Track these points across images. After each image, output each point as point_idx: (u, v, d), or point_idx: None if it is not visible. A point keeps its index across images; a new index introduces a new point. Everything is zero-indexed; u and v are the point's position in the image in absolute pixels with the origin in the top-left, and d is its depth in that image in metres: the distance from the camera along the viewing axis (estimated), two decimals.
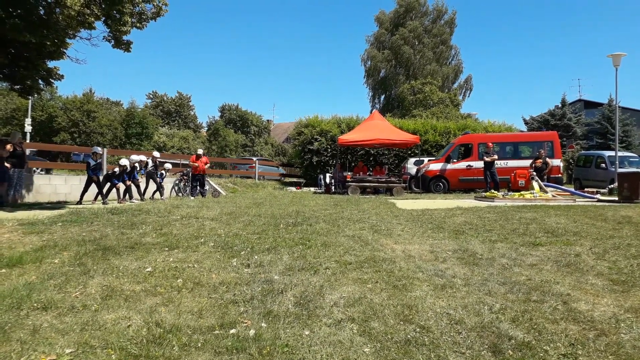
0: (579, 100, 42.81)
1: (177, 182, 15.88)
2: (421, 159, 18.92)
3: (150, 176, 13.80)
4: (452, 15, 44.16)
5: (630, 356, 3.07)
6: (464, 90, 44.04)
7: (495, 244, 5.97)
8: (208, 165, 15.41)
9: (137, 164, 13.01)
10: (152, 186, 13.91)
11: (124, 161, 12.35)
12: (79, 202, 11.42)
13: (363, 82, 46.18)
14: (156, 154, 14.74)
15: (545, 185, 13.41)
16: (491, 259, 5.26)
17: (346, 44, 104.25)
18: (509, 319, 3.58)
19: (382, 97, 45.32)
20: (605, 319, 3.63)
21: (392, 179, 16.59)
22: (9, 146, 10.42)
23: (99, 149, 12.43)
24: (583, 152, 24.55)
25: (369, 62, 44.36)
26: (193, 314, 3.64)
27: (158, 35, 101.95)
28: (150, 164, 13.88)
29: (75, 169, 18.57)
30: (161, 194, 13.78)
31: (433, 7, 44.17)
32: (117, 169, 12.26)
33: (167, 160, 14.93)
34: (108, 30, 10.69)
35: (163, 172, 14.37)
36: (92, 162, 11.67)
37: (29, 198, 12.42)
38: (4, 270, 4.54)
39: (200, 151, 15.60)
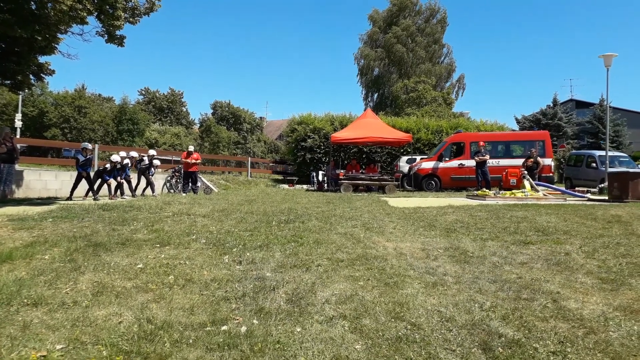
0: (571, 100, 43.15)
1: (168, 178, 15.79)
2: (413, 157, 18.99)
3: (142, 172, 13.73)
4: (443, 13, 44.37)
5: (618, 354, 3.10)
6: (456, 89, 44.31)
7: (486, 242, 6.01)
8: (199, 161, 15.33)
9: (128, 161, 12.93)
10: (143, 182, 13.84)
11: (115, 157, 12.26)
12: (69, 198, 11.33)
13: (356, 81, 46.38)
14: (152, 152, 14.68)
15: (537, 184, 13.51)
16: (482, 257, 5.30)
17: (339, 42, 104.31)
18: (499, 317, 3.61)
19: (375, 95, 45.47)
20: (594, 317, 3.67)
21: (385, 177, 16.61)
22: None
23: (89, 144, 12.32)
24: (574, 151, 24.74)
25: (362, 61, 44.46)
26: (184, 310, 3.63)
27: (151, 31, 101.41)
28: (146, 161, 13.82)
29: (66, 164, 18.41)
30: (152, 190, 13.72)
31: (426, 6, 44.44)
32: (108, 165, 12.18)
33: (156, 157, 14.83)
34: (101, 25, 10.61)
35: (152, 168, 14.30)
36: (82, 158, 11.58)
37: (19, 193, 12.29)
38: None
39: (191, 148, 15.53)
